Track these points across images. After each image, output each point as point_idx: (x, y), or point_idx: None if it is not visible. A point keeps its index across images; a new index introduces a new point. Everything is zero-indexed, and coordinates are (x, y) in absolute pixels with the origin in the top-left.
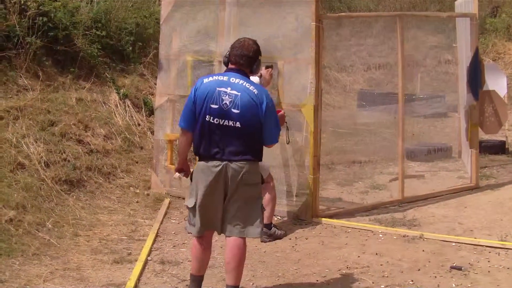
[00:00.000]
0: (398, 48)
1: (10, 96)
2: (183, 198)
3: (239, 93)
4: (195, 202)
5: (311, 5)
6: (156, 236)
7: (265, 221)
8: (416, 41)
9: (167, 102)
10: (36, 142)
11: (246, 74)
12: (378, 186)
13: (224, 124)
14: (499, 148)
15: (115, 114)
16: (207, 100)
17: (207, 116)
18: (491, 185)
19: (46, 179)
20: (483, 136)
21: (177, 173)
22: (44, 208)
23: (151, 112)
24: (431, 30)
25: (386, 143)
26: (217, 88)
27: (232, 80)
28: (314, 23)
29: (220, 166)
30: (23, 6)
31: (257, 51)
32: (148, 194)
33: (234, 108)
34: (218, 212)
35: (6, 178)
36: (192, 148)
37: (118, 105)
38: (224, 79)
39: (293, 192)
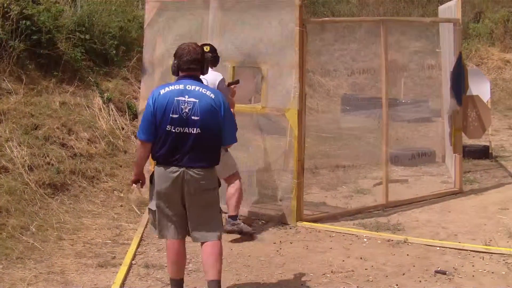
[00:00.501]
0: (382, 53)
1: None
2: None
3: (197, 100)
4: (155, 206)
5: (295, 10)
6: (141, 240)
7: (232, 212)
8: (399, 46)
9: None
10: (20, 145)
11: (199, 79)
12: (362, 190)
13: (185, 131)
14: (482, 153)
15: (98, 118)
16: (167, 110)
17: (168, 126)
18: (474, 189)
19: (30, 183)
20: (466, 141)
21: (134, 184)
22: (28, 212)
23: (135, 116)
24: (414, 35)
25: (370, 148)
26: (175, 98)
27: (188, 87)
28: (298, 28)
29: (178, 172)
30: (6, 9)
31: (203, 52)
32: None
33: (194, 115)
34: (177, 217)
35: None
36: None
37: (102, 109)
38: (180, 87)
39: (277, 197)
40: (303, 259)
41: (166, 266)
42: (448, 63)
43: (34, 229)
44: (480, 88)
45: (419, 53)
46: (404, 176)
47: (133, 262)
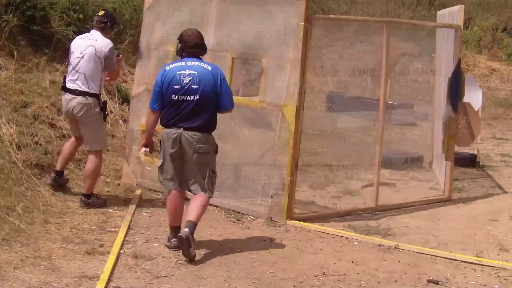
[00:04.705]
0: (383, 54)
1: None
2: (155, 191)
3: (196, 72)
4: (162, 162)
5: (301, 5)
6: (128, 228)
7: (85, 191)
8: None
9: (145, 92)
10: (9, 123)
11: (199, 57)
12: (351, 191)
13: (185, 99)
14: (469, 161)
15: None
16: (171, 83)
17: (172, 95)
18: (463, 198)
19: (18, 162)
20: None
21: (143, 148)
22: (15, 192)
23: (124, 100)
24: (402, 37)
25: (356, 148)
26: (177, 72)
27: (189, 63)
28: (303, 23)
29: (176, 134)
30: None
31: (203, 38)
32: (119, 184)
33: (193, 84)
34: (176, 171)
35: None
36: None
37: None
38: (182, 64)
39: (267, 192)
40: (294, 259)
41: (155, 258)
42: (444, 68)
43: (20, 210)
44: (472, 96)
45: (406, 55)
46: (391, 179)
47: (121, 251)
